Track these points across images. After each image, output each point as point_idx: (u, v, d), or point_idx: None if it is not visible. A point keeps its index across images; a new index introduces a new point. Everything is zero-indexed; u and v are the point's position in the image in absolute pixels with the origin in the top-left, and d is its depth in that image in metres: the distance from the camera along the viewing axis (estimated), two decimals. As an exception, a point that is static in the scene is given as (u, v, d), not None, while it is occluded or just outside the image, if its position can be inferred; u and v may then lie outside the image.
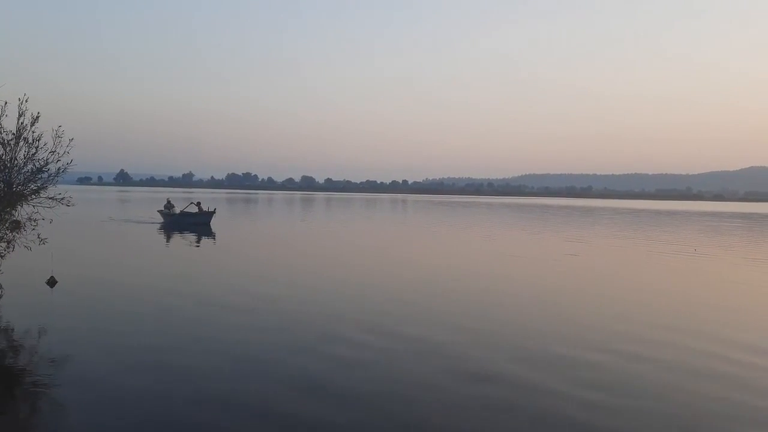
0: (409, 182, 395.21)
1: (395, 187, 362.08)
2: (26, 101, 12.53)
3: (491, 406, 7.50)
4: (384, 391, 7.90)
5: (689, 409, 7.58)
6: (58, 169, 13.15)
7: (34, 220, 13.05)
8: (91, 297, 13.51)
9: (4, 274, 13.09)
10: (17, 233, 13.00)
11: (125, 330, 10.59)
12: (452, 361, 9.34)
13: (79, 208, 19.57)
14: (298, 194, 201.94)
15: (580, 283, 18.11)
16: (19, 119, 12.51)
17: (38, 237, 13.03)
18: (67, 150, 13.02)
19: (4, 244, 12.96)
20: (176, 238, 29.67)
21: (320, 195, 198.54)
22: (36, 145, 12.78)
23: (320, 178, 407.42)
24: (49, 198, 13.20)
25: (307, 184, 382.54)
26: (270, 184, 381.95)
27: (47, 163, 12.96)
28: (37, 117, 12.71)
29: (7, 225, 12.81)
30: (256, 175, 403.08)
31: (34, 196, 13.11)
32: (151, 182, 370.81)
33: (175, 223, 37.23)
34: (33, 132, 12.72)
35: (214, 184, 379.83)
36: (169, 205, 40.13)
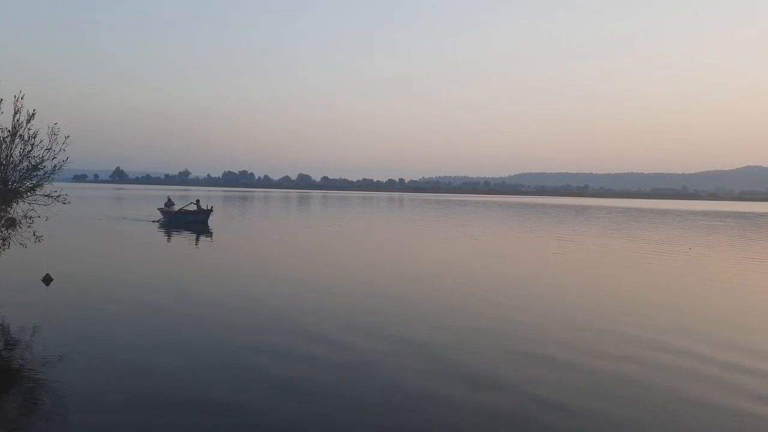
0: (406, 181, 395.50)
1: (392, 186, 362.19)
2: (22, 98, 12.50)
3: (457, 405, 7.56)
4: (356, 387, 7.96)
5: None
6: (54, 166, 13.10)
7: (30, 218, 13.01)
8: (87, 295, 13.50)
9: (-1, 271, 13.06)
10: (13, 231, 12.96)
11: (120, 329, 10.58)
12: (435, 364, 9.39)
13: (74, 206, 19.52)
14: (294, 192, 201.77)
15: (563, 282, 18.18)
16: (14, 116, 12.46)
17: (34, 234, 13.00)
18: (62, 147, 12.96)
19: (-1, 242, 12.93)
20: (173, 236, 29.65)
21: (317, 193, 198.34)
22: (32, 143, 12.72)
23: (317, 177, 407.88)
24: (45, 195, 13.15)
25: (304, 183, 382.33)
26: (266, 182, 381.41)
27: (43, 161, 12.90)
28: (33, 114, 12.66)
29: (2, 222, 12.77)
30: (252, 173, 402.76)
31: (29, 194, 13.06)
32: (147, 180, 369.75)
33: (172, 221, 37.16)
34: (29, 129, 12.66)
35: (210, 182, 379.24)
36: (169, 203, 40.06)
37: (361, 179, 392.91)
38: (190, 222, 36.41)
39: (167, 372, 8.35)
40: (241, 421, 6.79)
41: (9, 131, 12.56)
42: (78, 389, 7.56)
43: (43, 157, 12.88)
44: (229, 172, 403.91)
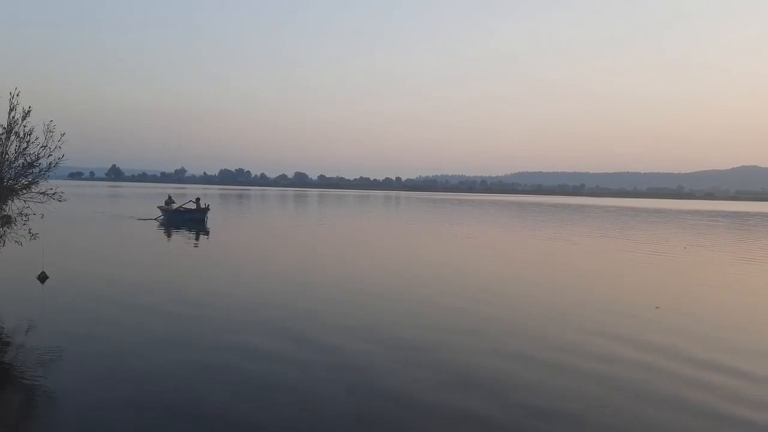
0: (403, 179, 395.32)
1: (389, 185, 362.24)
2: (17, 95, 12.46)
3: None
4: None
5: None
6: (50, 164, 13.05)
7: (25, 215, 12.97)
8: (82, 293, 13.46)
9: (-6, 269, 13.01)
10: (8, 228, 12.92)
11: (115, 327, 10.55)
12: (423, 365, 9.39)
13: (70, 204, 19.47)
14: (290, 191, 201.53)
15: (556, 282, 18.22)
16: (10, 113, 12.41)
17: (29, 232, 12.96)
18: (58, 145, 12.92)
19: (-6, 239, 12.88)
20: (170, 234, 29.60)
21: (313, 191, 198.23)
22: (27, 140, 12.67)
23: (313, 175, 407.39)
24: (41, 193, 13.11)
25: (300, 181, 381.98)
26: (263, 181, 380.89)
27: (38, 158, 12.86)
28: (29, 111, 12.61)
29: (-3, 220, 12.74)
30: (249, 171, 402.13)
31: (25, 191, 13.01)
32: (143, 178, 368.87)
33: (171, 219, 37.08)
34: (24, 126, 12.62)
35: (206, 180, 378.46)
36: (169, 201, 39.95)
37: (358, 177, 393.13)
38: (188, 220, 36.34)
39: (163, 372, 8.32)
40: (241, 422, 6.79)
41: (4, 128, 12.52)
42: (72, 388, 7.52)
43: (38, 154, 12.84)
44: (225, 170, 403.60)
